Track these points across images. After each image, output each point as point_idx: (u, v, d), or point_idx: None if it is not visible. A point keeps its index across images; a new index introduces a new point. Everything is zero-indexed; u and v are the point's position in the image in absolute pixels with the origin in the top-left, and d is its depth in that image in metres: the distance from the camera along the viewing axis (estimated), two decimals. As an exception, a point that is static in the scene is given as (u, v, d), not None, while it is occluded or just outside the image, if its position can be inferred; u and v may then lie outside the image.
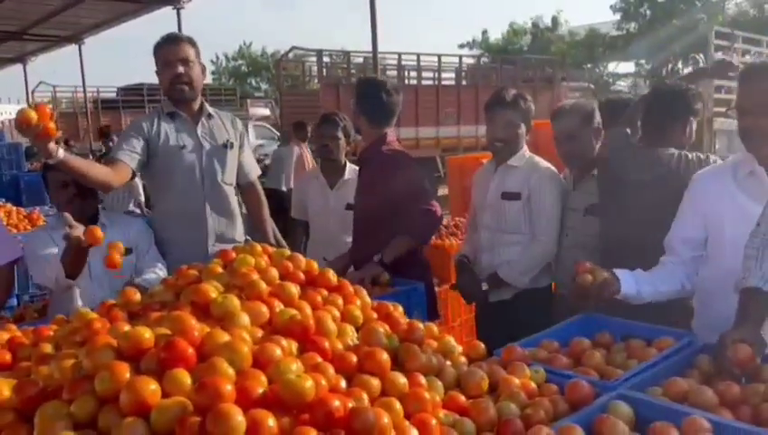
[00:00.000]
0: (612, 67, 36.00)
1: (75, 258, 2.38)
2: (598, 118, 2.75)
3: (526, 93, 2.87)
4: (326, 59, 15.24)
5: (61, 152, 2.30)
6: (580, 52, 34.41)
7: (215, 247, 2.82)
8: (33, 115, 2.11)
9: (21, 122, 2.11)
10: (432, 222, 2.87)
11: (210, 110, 2.99)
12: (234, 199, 3.03)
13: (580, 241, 2.69)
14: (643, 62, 33.67)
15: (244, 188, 3.15)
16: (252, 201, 3.18)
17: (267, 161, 11.16)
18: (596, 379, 1.63)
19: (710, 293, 2.02)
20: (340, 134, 3.57)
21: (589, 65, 34.32)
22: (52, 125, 2.17)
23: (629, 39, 31.26)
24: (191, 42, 2.86)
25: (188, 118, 2.90)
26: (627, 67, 35.76)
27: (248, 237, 3.08)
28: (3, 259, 2.54)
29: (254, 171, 3.19)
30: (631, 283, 2.01)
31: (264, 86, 38.92)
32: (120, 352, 1.30)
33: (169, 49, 2.81)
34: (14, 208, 5.93)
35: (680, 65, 32.33)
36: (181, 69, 2.79)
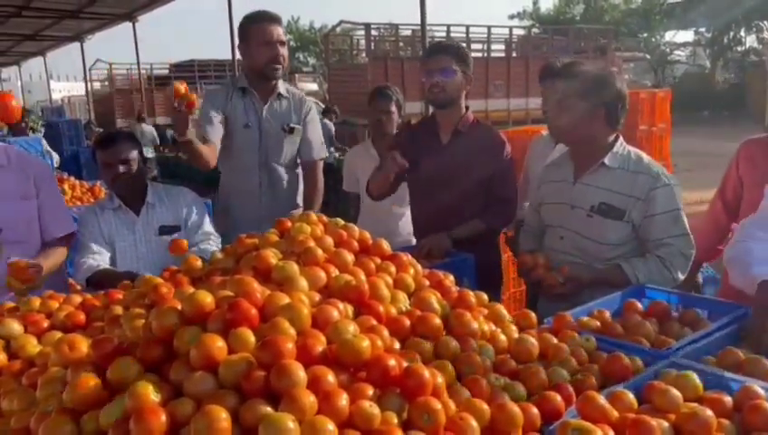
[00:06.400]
0: (670, 36, 34.70)
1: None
2: (618, 88, 2.18)
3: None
4: (374, 32, 15.19)
5: (192, 131, 2.59)
6: (635, 20, 33.22)
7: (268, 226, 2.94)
8: (182, 87, 2.50)
9: (175, 91, 2.50)
10: (510, 218, 2.85)
11: (282, 89, 3.07)
12: (291, 181, 3.14)
13: (580, 245, 2.25)
14: (703, 30, 32.28)
15: (303, 165, 3.21)
16: (306, 180, 3.23)
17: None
18: (647, 348, 1.64)
19: None
20: (394, 108, 3.56)
21: (645, 34, 33.12)
22: (194, 97, 2.52)
23: (688, 6, 29.97)
24: (281, 22, 2.97)
25: (259, 96, 2.99)
26: (685, 36, 34.53)
27: None
28: (61, 231, 2.64)
29: (317, 151, 3.21)
30: None
31: (311, 61, 39.05)
32: (183, 315, 1.36)
33: (269, 29, 2.91)
34: (77, 182, 6.18)
35: (743, 33, 30.91)
36: (281, 50, 2.91)
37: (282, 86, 3.08)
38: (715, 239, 2.79)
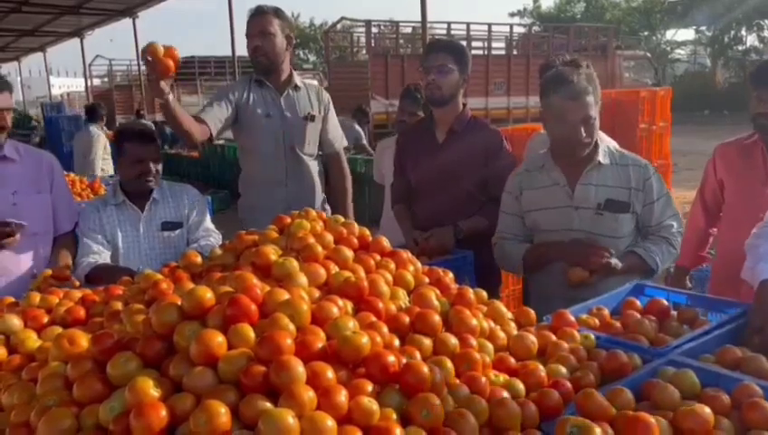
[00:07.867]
0: (670, 35, 34.69)
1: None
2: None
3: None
4: (374, 29, 15.17)
5: (171, 95, 2.46)
6: (636, 19, 33.23)
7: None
8: (161, 49, 2.31)
9: (149, 52, 2.29)
10: None
11: (298, 81, 3.16)
12: (314, 170, 3.19)
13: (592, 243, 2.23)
14: (704, 28, 32.27)
15: (327, 157, 3.29)
16: (333, 171, 3.32)
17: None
18: (646, 346, 1.64)
19: None
20: (421, 112, 3.57)
21: (646, 33, 33.09)
22: (171, 64, 2.34)
23: (689, 4, 29.99)
24: (277, 14, 3.01)
25: (274, 87, 3.07)
26: (686, 34, 34.47)
27: (327, 207, 3.23)
28: (71, 224, 2.72)
29: (339, 142, 3.30)
30: None
31: (312, 58, 39.01)
32: (182, 311, 1.36)
33: (252, 21, 2.99)
34: (78, 178, 6.16)
35: (744, 32, 30.89)
36: (258, 42, 2.98)
37: (297, 78, 3.17)
38: (696, 245, 2.82)
